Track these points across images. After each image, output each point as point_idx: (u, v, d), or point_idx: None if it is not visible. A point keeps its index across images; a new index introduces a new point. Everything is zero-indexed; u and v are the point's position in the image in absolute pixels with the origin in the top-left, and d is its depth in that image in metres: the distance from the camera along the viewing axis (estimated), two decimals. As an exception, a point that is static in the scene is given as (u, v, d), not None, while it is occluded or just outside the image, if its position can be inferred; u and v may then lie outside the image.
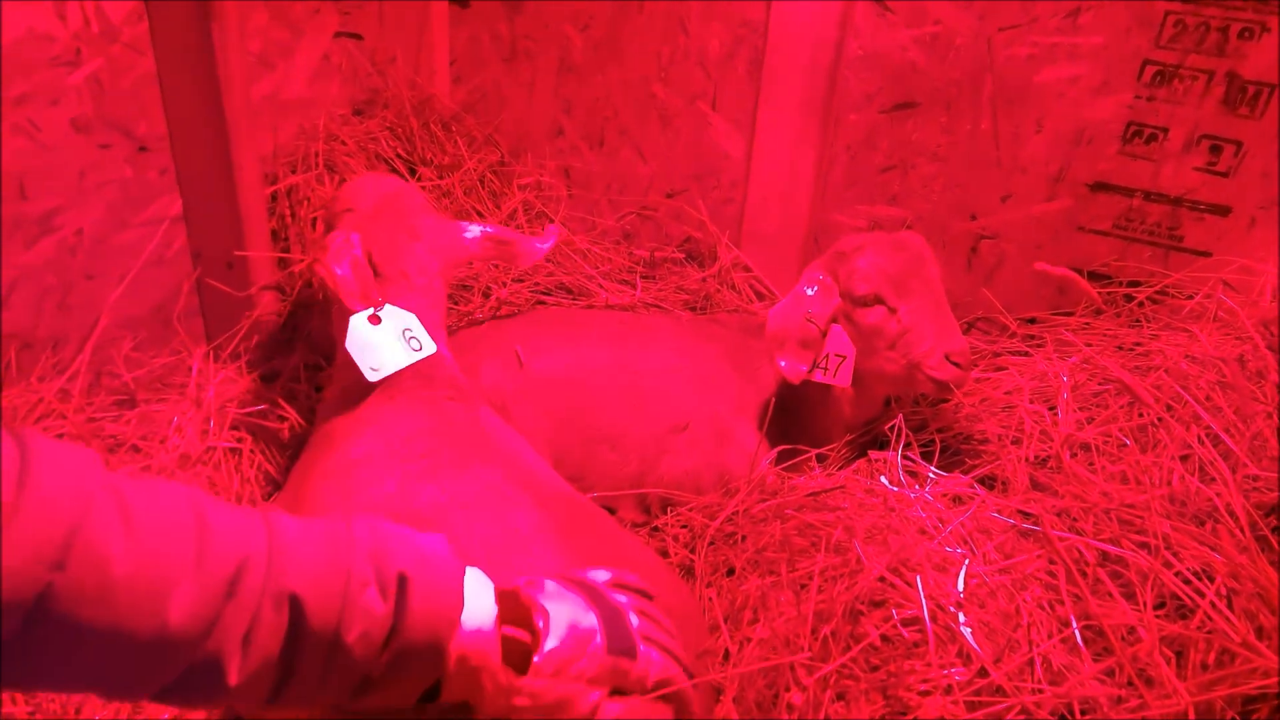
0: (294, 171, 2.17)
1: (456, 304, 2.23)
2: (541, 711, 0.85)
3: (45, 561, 0.63)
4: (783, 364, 1.72)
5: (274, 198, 2.12)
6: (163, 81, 1.85)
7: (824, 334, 1.74)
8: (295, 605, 0.74)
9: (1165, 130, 1.98)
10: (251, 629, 0.72)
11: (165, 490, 0.74)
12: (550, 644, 0.85)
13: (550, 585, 0.91)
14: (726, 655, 1.31)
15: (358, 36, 2.35)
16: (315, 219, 2.09)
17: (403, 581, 0.79)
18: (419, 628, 0.79)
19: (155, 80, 1.84)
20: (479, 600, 0.85)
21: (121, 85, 1.79)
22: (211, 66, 1.81)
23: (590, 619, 0.89)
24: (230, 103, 1.85)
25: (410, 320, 1.53)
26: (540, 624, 0.86)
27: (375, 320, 1.51)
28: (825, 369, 1.75)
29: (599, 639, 0.88)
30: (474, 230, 1.73)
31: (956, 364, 1.67)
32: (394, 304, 1.55)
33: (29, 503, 0.64)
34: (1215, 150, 1.96)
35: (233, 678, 0.72)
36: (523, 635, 0.87)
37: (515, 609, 0.88)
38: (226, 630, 0.71)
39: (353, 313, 1.49)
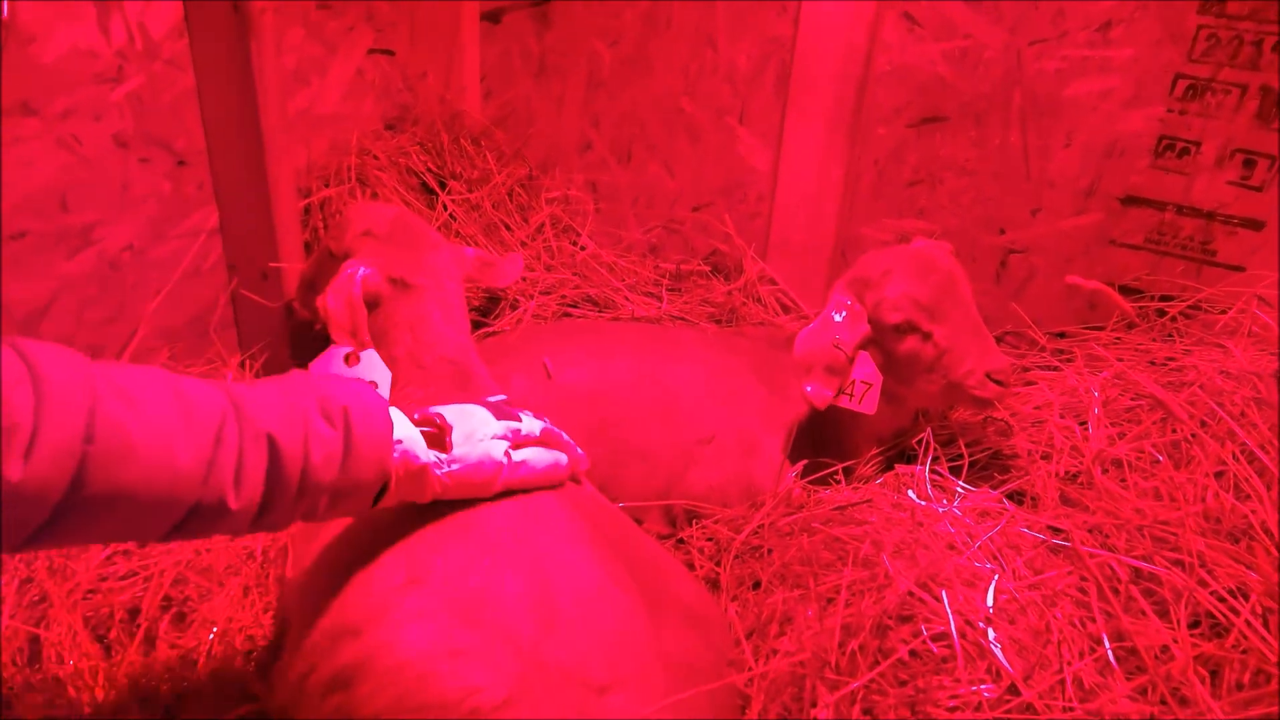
0: (327, 185, 2.20)
1: (485, 316, 2.26)
2: (472, 472, 1.16)
3: (78, 437, 0.80)
4: (809, 389, 1.72)
5: (307, 210, 2.15)
6: (202, 97, 1.89)
7: (851, 360, 1.73)
8: (271, 442, 0.95)
9: (1198, 144, 1.96)
10: (240, 465, 0.92)
11: (142, 371, 0.92)
12: (456, 425, 1.17)
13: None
14: (751, 672, 1.30)
15: (390, 53, 2.39)
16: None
17: (346, 413, 1.02)
18: (365, 446, 1.03)
19: (194, 96, 1.89)
20: (401, 422, 1.11)
21: (162, 101, 1.83)
22: (249, 83, 1.85)
23: (479, 409, 1.23)
24: (266, 118, 1.89)
25: (382, 379, 1.58)
26: (440, 421, 1.18)
27: (354, 360, 1.57)
28: (851, 395, 1.74)
29: (489, 411, 1.23)
30: (468, 250, 1.85)
31: (998, 382, 1.66)
32: (430, 308, 1.60)
33: (49, 396, 0.79)
34: (1249, 164, 1.94)
35: (233, 503, 0.92)
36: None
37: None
38: (221, 469, 0.90)
39: (336, 344, 1.57)
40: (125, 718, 1.30)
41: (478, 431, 1.19)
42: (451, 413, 1.21)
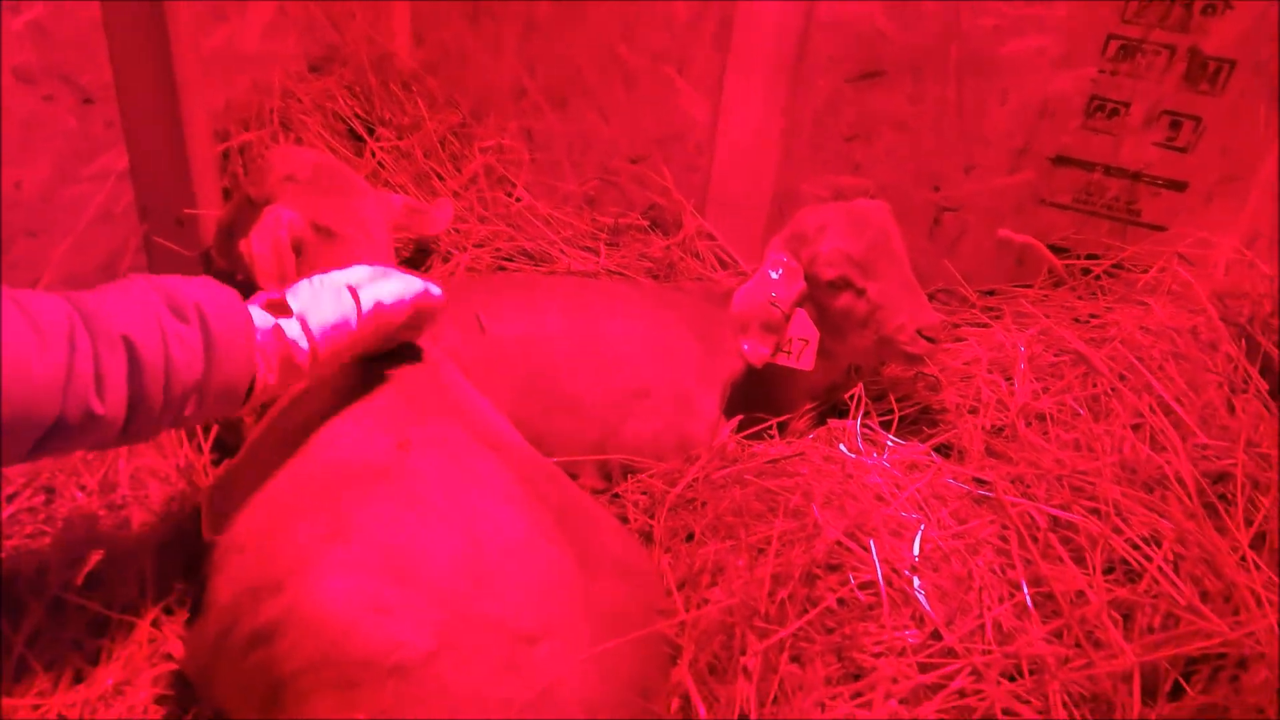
0: (247, 129, 2.10)
1: (416, 268, 2.20)
2: (332, 329, 1.16)
3: None
4: (746, 347, 1.72)
5: (225, 155, 2.05)
6: (109, 29, 1.78)
7: (788, 317, 1.74)
8: (129, 344, 0.93)
9: (1127, 105, 1.99)
10: (99, 371, 0.90)
11: None
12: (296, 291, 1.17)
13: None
14: (682, 620, 1.31)
15: (315, -10, 2.28)
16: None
17: (199, 308, 1.00)
18: (226, 339, 1.01)
19: (101, 27, 1.77)
20: (254, 311, 1.10)
21: (65, 32, 1.72)
22: (160, 14, 1.74)
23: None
24: (179, 54, 1.79)
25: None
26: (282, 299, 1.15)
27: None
28: (789, 352, 1.76)
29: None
30: (395, 198, 1.79)
31: (929, 338, 1.68)
32: (356, 258, 1.54)
33: None
34: (1175, 125, 1.98)
35: (99, 408, 0.90)
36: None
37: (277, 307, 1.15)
38: (80, 378, 0.88)
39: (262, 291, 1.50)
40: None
41: (316, 281, 1.20)
42: (298, 287, 1.20)
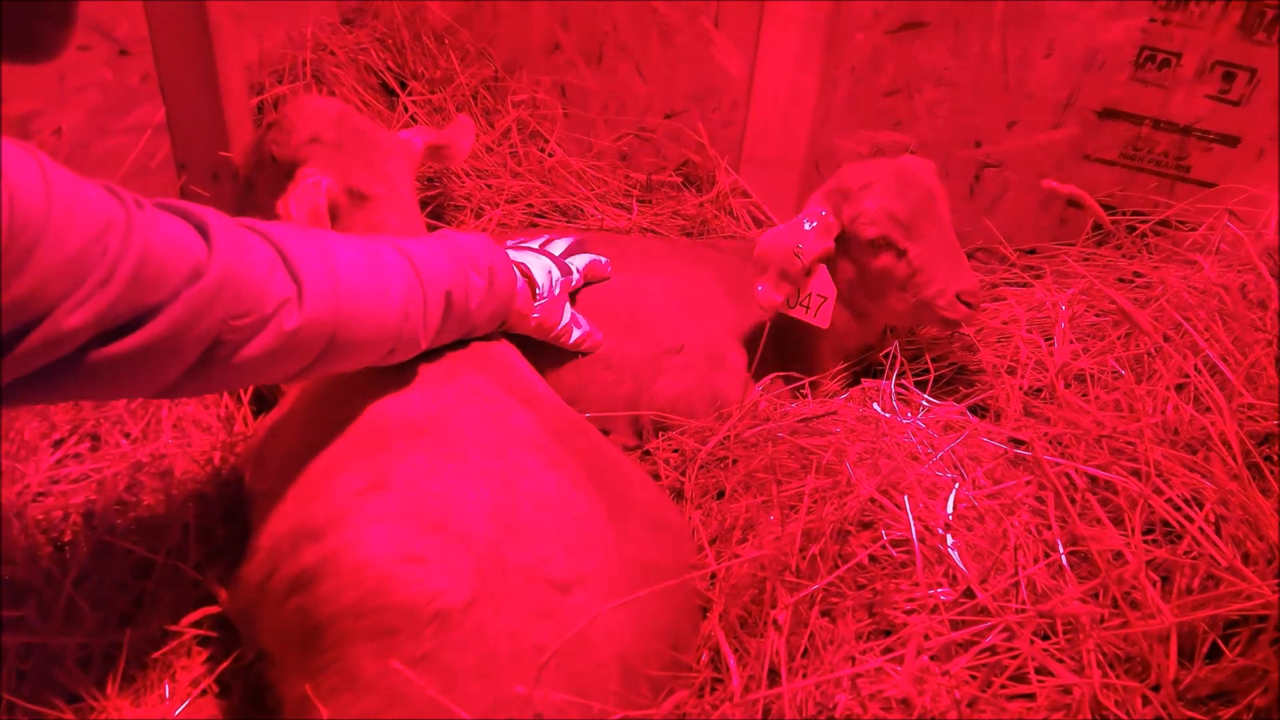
0: (280, 82, 2.10)
1: (449, 224, 2.19)
2: (547, 321, 1.62)
3: (329, 317, 1.11)
4: (759, 289, 1.68)
5: (260, 108, 2.05)
6: (143, -19, 1.78)
7: (808, 271, 1.70)
8: (448, 297, 1.28)
9: (1178, 55, 1.92)
10: (426, 316, 1.25)
11: (355, 247, 1.20)
12: (540, 286, 1.58)
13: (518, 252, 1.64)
14: (713, 572, 1.31)
15: (347, -59, 2.26)
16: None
17: (491, 270, 1.37)
18: (501, 297, 1.40)
19: (135, -21, 1.77)
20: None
21: (99, -16, 1.72)
22: (193, -34, 1.74)
23: (544, 262, 1.63)
24: (213, 6, 1.78)
25: None
26: (526, 273, 1.56)
27: None
28: (806, 307, 1.73)
29: (558, 275, 1.64)
30: (416, 141, 1.76)
31: (968, 303, 1.65)
32: (387, 218, 1.54)
33: (306, 280, 1.08)
34: (1228, 78, 1.91)
35: (424, 343, 1.28)
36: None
37: None
38: (413, 320, 1.23)
39: None
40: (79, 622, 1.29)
41: (556, 288, 1.62)
42: (533, 265, 1.58)
